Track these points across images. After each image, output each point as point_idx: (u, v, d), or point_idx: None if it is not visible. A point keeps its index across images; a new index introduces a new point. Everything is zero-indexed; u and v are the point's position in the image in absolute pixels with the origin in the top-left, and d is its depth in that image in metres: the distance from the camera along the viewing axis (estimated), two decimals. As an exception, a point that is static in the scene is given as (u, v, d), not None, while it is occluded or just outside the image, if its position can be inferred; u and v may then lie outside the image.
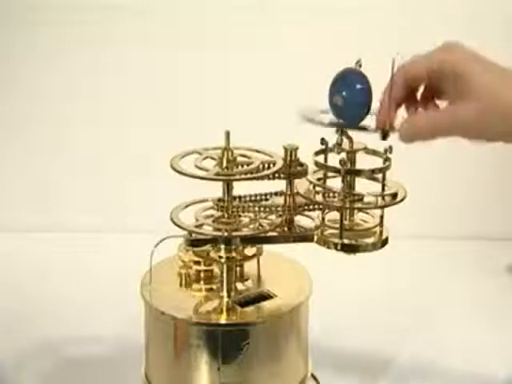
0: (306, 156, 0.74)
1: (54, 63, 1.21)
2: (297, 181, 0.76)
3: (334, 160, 0.73)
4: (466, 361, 0.90)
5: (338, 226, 0.73)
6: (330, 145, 0.73)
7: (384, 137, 0.71)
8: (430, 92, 0.71)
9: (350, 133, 0.72)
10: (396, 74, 0.69)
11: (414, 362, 0.90)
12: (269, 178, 0.75)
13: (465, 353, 0.92)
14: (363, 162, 0.73)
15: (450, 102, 0.69)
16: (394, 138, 0.71)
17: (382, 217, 0.75)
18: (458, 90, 0.67)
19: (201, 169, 0.73)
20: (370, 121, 0.70)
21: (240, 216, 0.76)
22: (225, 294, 0.76)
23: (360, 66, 0.70)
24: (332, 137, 0.73)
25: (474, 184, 1.23)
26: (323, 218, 0.75)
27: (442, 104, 0.71)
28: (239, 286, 0.77)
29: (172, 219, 0.75)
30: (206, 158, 0.75)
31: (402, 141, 0.69)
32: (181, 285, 0.78)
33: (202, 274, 0.78)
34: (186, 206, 0.78)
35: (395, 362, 0.90)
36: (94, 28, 1.19)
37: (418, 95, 0.72)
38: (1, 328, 0.95)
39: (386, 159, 0.72)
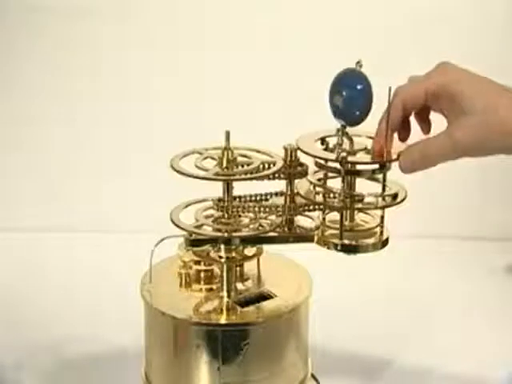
0: (307, 156, 0.74)
1: (55, 63, 1.20)
2: (297, 181, 0.76)
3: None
4: (465, 361, 0.90)
5: (338, 226, 0.73)
6: (331, 145, 0.73)
7: (382, 167, 0.71)
8: (425, 112, 0.72)
9: (351, 133, 0.72)
10: (393, 101, 0.69)
11: (414, 361, 0.90)
12: (269, 178, 0.75)
13: (464, 353, 0.91)
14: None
15: (447, 120, 0.69)
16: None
17: (382, 217, 0.75)
18: (455, 109, 0.67)
19: (201, 169, 0.73)
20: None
21: (240, 216, 0.76)
22: (225, 294, 0.76)
23: (360, 66, 0.70)
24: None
25: (473, 184, 1.23)
26: (324, 219, 0.75)
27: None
28: (239, 286, 0.77)
29: (172, 219, 0.75)
30: (206, 158, 0.75)
31: (402, 172, 0.70)
32: (181, 285, 0.78)
33: (202, 274, 0.78)
34: (186, 206, 0.78)
35: (395, 361, 0.90)
36: (94, 28, 1.19)
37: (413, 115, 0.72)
38: (1, 328, 0.95)
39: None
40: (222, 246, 0.76)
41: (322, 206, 0.75)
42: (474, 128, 0.66)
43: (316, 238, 0.74)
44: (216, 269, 0.78)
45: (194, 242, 0.75)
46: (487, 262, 1.15)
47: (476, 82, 0.68)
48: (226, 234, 0.74)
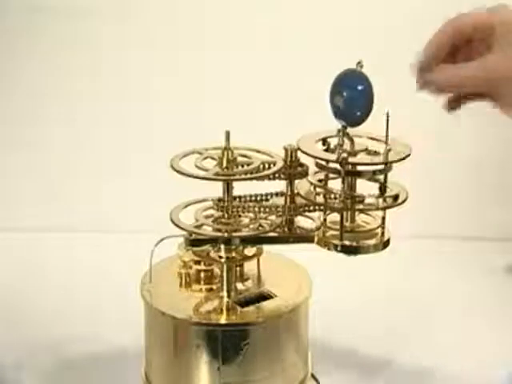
0: (307, 156, 0.74)
1: (55, 63, 1.20)
2: (297, 181, 0.76)
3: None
4: (465, 361, 0.90)
5: (339, 227, 0.73)
6: (332, 145, 0.73)
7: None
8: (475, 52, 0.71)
9: (351, 134, 0.72)
10: (445, 25, 0.70)
11: (414, 361, 0.90)
12: (269, 179, 0.75)
13: (464, 353, 0.91)
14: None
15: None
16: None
17: (383, 218, 0.74)
18: (500, 42, 0.67)
19: (201, 169, 0.73)
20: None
21: (240, 216, 0.76)
22: (225, 294, 0.76)
23: (361, 66, 0.70)
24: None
25: (473, 184, 1.23)
26: (324, 220, 0.75)
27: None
28: (239, 286, 0.77)
29: (172, 219, 0.75)
30: (206, 158, 0.75)
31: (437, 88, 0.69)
32: (181, 285, 0.78)
33: (202, 274, 0.78)
34: (186, 206, 0.78)
35: (395, 361, 0.90)
36: (94, 28, 1.19)
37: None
38: (1, 328, 0.95)
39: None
40: (222, 246, 0.76)
41: (322, 207, 0.75)
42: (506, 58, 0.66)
43: (316, 239, 0.74)
44: (216, 269, 0.78)
45: (193, 241, 0.75)
46: (487, 262, 1.15)
47: None
48: (226, 234, 0.74)
